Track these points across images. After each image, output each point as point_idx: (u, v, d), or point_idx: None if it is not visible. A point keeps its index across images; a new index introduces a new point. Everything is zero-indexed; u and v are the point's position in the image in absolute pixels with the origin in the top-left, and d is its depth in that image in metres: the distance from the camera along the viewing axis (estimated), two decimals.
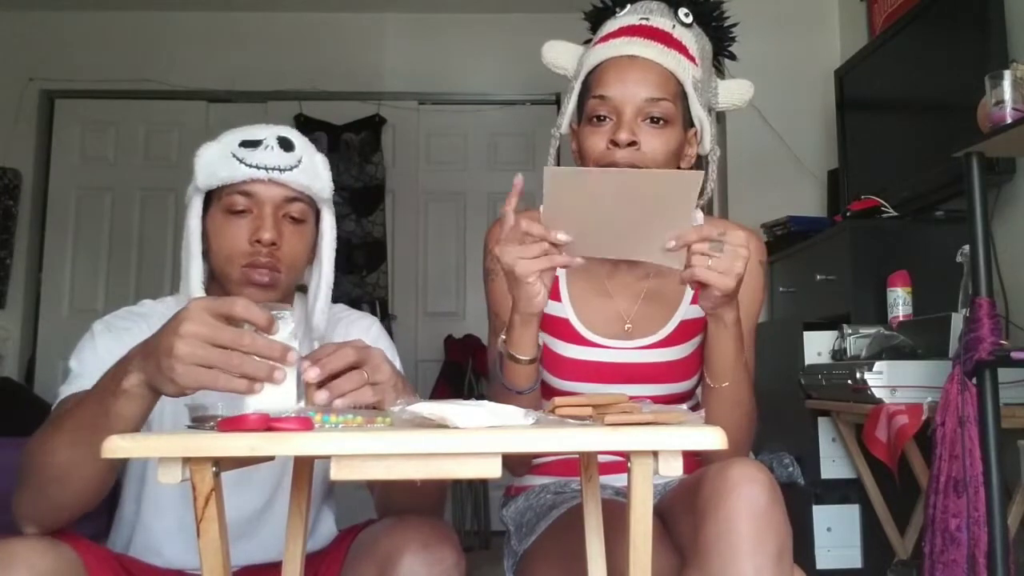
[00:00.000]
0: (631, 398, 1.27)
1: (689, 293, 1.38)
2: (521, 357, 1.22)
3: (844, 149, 3.01)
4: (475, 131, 4.52)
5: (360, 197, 4.38)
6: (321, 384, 0.99)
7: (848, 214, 2.62)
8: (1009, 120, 1.65)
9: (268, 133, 1.27)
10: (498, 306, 1.41)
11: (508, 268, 1.13)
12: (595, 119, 1.30)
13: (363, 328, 1.38)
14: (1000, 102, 1.67)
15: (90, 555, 1.07)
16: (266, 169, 1.23)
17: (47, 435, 1.05)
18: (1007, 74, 1.67)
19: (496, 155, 4.52)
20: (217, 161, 1.24)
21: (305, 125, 4.37)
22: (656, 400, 1.34)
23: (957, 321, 1.93)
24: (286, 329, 0.94)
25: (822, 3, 3.42)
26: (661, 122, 1.28)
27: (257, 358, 0.90)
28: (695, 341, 1.39)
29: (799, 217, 2.90)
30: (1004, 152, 1.89)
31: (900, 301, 2.25)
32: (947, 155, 1.80)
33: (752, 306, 1.39)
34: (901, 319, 2.23)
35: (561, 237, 1.11)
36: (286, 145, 1.26)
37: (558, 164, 1.41)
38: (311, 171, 1.28)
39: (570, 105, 1.37)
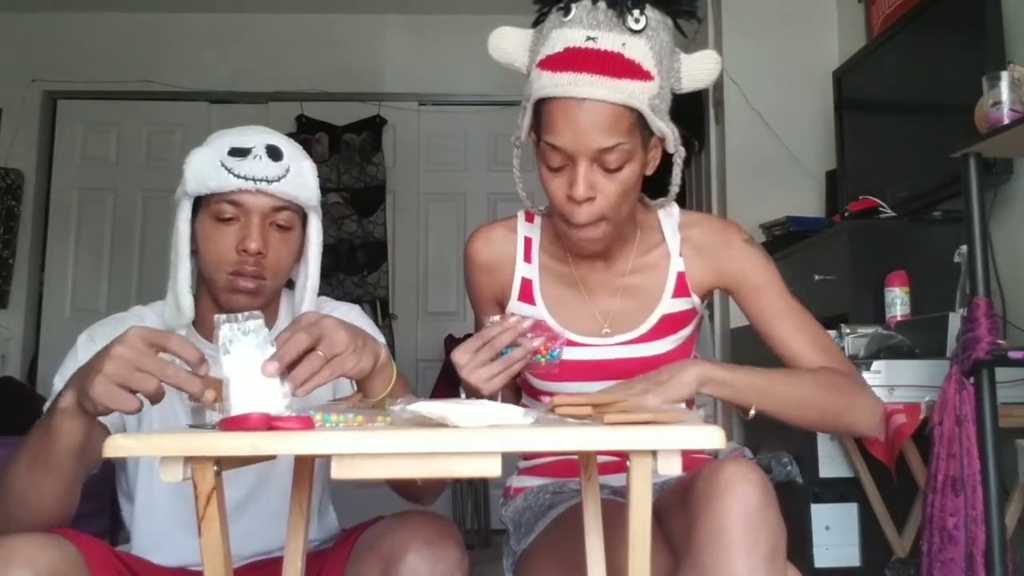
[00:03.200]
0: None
1: (670, 287, 1.38)
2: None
3: (842, 150, 3.01)
4: (475, 132, 4.53)
5: (361, 197, 4.40)
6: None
7: (846, 214, 2.63)
8: (1006, 121, 1.65)
9: (257, 141, 1.27)
10: (477, 314, 1.48)
11: (475, 388, 1.17)
12: (551, 166, 1.24)
13: (341, 316, 1.39)
14: (997, 103, 1.68)
15: (92, 551, 1.07)
16: (254, 180, 1.24)
17: (12, 460, 1.09)
18: (1004, 75, 1.68)
19: (496, 156, 4.52)
20: (207, 169, 1.25)
21: (306, 126, 4.38)
22: None
23: (955, 321, 1.93)
24: (259, 336, 0.96)
25: (820, 4, 3.42)
26: (616, 168, 1.22)
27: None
28: (681, 335, 1.39)
29: (797, 217, 2.90)
30: (1001, 153, 1.90)
31: (898, 301, 2.26)
32: (945, 156, 1.81)
33: (765, 284, 1.38)
34: (899, 319, 2.23)
35: (527, 323, 1.18)
36: (274, 154, 1.27)
37: (519, 173, 1.38)
38: (299, 180, 1.28)
39: (525, 122, 1.29)
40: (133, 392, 0.96)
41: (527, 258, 1.42)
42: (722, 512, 0.99)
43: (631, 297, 1.39)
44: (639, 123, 1.22)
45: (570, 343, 1.36)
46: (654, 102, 1.22)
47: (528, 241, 1.43)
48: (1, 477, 1.10)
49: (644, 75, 1.20)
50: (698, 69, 1.29)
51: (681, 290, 1.38)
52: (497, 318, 1.21)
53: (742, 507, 0.98)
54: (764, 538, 0.98)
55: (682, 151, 1.31)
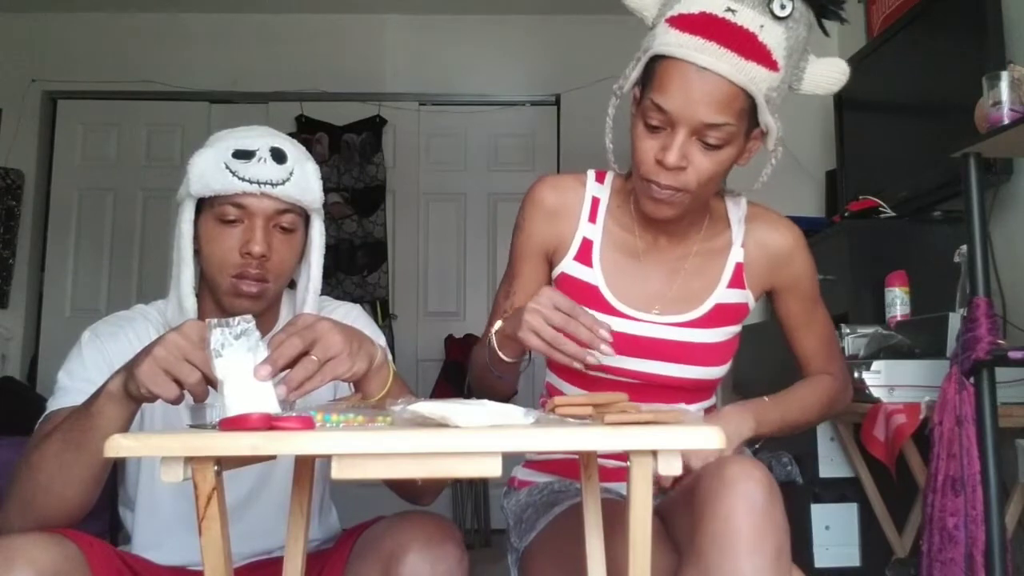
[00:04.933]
0: (661, 377, 1.30)
1: (727, 277, 1.37)
2: (505, 358, 1.24)
3: (842, 150, 3.01)
4: (475, 132, 4.52)
5: (361, 197, 4.40)
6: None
7: (846, 214, 2.63)
8: (1006, 121, 1.65)
9: (261, 143, 1.27)
10: (517, 262, 1.41)
11: (521, 329, 1.15)
12: (649, 124, 1.20)
13: (341, 315, 1.39)
14: (997, 103, 1.67)
15: (93, 551, 1.08)
16: (258, 183, 1.24)
17: (37, 446, 1.10)
18: (1004, 75, 1.67)
19: (496, 156, 4.52)
20: (211, 171, 1.25)
21: (306, 126, 4.38)
22: (685, 383, 1.34)
23: (955, 321, 1.93)
24: (250, 339, 0.97)
25: None
26: (715, 146, 1.19)
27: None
28: (730, 329, 1.38)
29: (797, 217, 2.85)
30: (1001, 153, 1.90)
31: (898, 301, 2.26)
32: (945, 156, 1.80)
33: (807, 291, 1.43)
34: (899, 319, 2.23)
35: (605, 348, 1.13)
36: (279, 157, 1.27)
37: (611, 124, 1.33)
38: (302, 184, 1.29)
39: (634, 74, 1.24)
40: (177, 382, 0.98)
41: (592, 218, 1.38)
42: (728, 511, 0.98)
43: (688, 281, 1.37)
44: (750, 110, 1.19)
45: (621, 315, 1.34)
46: (771, 94, 1.19)
47: (596, 201, 1.39)
48: (24, 464, 1.09)
49: (771, 64, 1.17)
50: (823, 76, 1.26)
51: (737, 281, 1.37)
52: (605, 327, 1.15)
53: (748, 506, 0.98)
54: (771, 537, 0.98)
55: (779, 151, 1.28)
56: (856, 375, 1.98)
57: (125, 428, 1.06)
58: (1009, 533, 1.71)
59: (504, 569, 1.38)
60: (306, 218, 1.33)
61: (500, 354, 1.24)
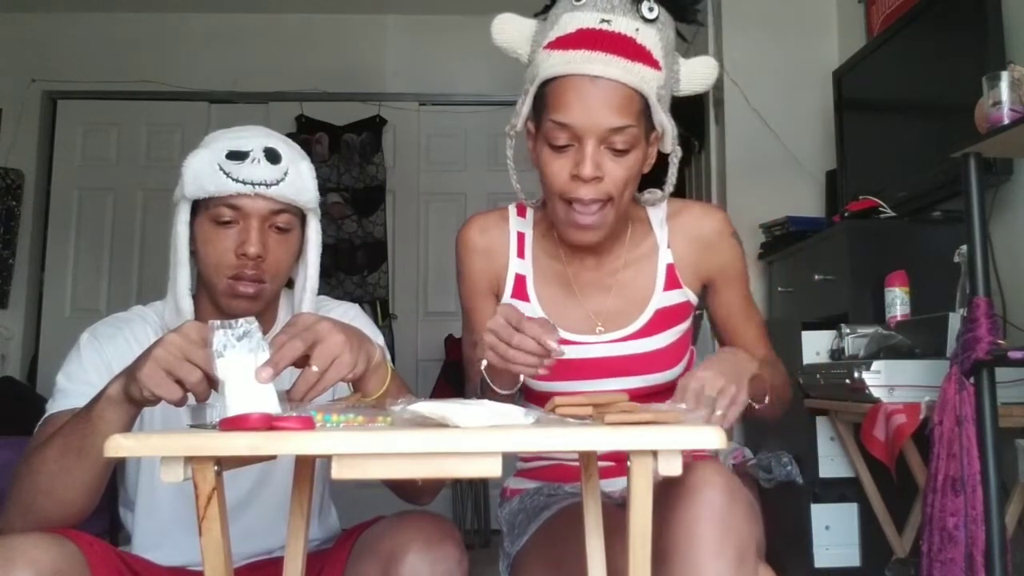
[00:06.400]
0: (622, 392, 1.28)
1: (661, 281, 1.38)
2: (500, 391, 1.23)
3: (842, 150, 3.01)
4: (475, 131, 4.52)
5: (361, 197, 4.40)
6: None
7: (846, 214, 2.63)
8: (1006, 121, 1.65)
9: (255, 144, 1.26)
10: (470, 308, 1.44)
11: (487, 354, 1.13)
12: (555, 145, 1.23)
13: (340, 315, 1.39)
14: (997, 103, 1.67)
15: (93, 551, 1.08)
16: (252, 184, 1.24)
17: (37, 449, 1.10)
18: (1004, 75, 1.67)
19: (496, 155, 4.52)
20: (205, 173, 1.24)
21: (306, 126, 4.38)
22: (641, 392, 1.34)
23: (955, 321, 1.93)
24: (252, 340, 0.97)
25: (820, 4, 3.42)
26: (623, 150, 1.22)
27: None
28: (677, 330, 1.39)
29: (797, 217, 2.90)
30: (1001, 153, 1.90)
31: (898, 301, 2.26)
32: (945, 156, 1.80)
33: (738, 277, 1.41)
34: (899, 319, 2.23)
35: (555, 352, 1.11)
36: (273, 157, 1.26)
37: (512, 164, 1.37)
38: (297, 184, 1.28)
39: (525, 108, 1.27)
40: (179, 383, 0.98)
41: (520, 253, 1.41)
42: (691, 518, 1.00)
43: (623, 294, 1.38)
44: (645, 111, 1.23)
45: (564, 341, 1.34)
46: (660, 92, 1.23)
47: (521, 236, 1.42)
48: (24, 467, 1.10)
49: (654, 63, 1.22)
50: (696, 73, 1.31)
51: (672, 282, 1.38)
52: (556, 342, 1.12)
53: (709, 512, 1.00)
54: (732, 540, 1.00)
55: (679, 150, 1.31)
56: (856, 375, 1.98)
57: (126, 432, 1.05)
58: (1009, 533, 1.71)
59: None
60: (302, 217, 1.33)
61: (495, 388, 1.23)
